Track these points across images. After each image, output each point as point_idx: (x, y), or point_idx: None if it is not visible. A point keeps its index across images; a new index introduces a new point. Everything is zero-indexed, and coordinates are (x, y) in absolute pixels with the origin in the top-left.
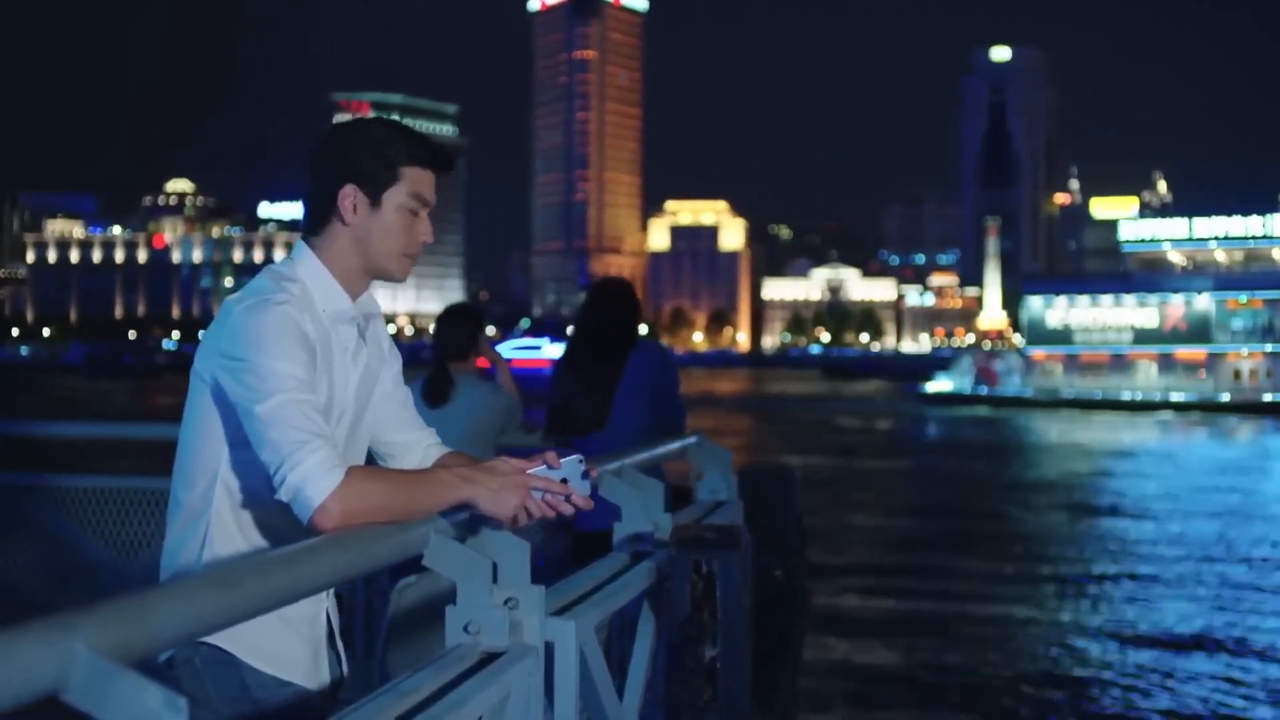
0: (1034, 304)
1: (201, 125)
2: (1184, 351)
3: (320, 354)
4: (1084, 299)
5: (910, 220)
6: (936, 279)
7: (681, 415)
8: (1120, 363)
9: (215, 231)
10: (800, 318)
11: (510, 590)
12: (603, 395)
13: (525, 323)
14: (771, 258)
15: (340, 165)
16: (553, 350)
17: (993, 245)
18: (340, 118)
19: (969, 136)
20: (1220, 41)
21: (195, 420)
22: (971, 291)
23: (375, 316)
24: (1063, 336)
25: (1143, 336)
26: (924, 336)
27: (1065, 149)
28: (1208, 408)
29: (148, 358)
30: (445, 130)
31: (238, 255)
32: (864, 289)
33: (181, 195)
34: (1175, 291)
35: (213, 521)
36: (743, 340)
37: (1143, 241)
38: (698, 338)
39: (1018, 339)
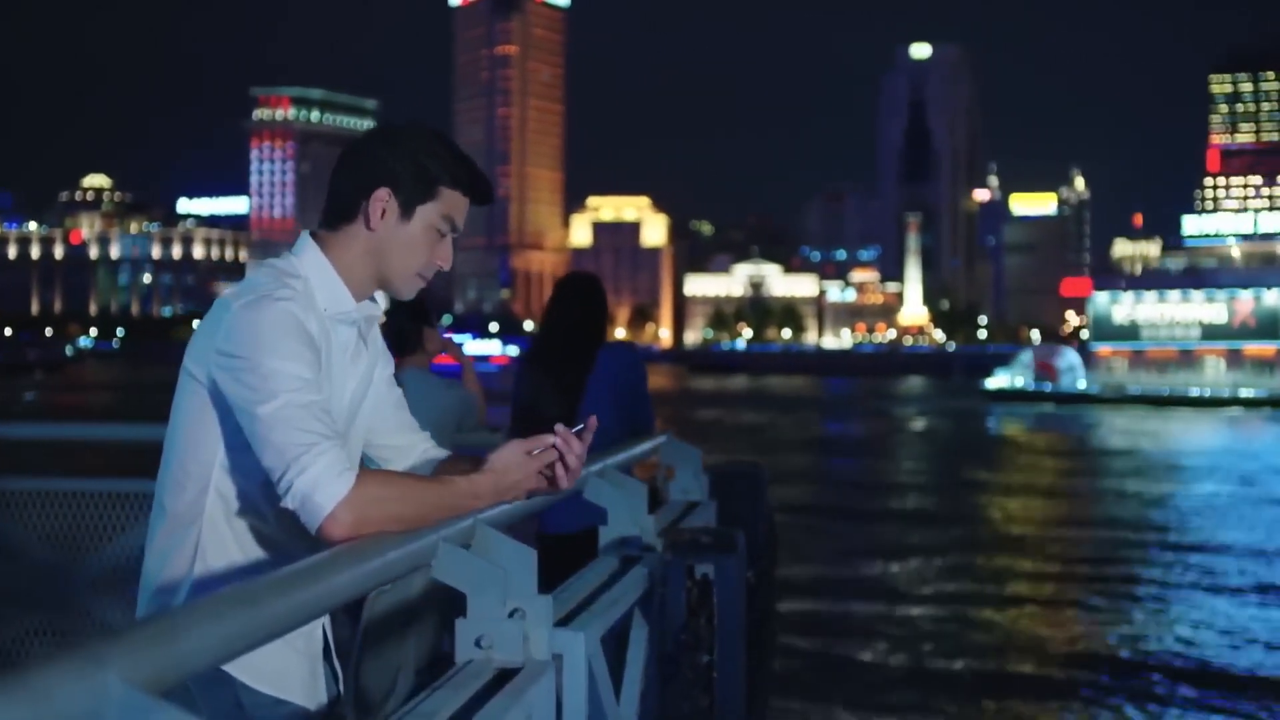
0: (1100, 300)
1: (119, 120)
2: (1253, 347)
3: (321, 355)
4: (1151, 295)
5: (831, 216)
6: (857, 275)
7: (651, 415)
8: (1187, 359)
9: (133, 227)
10: (722, 314)
11: (517, 600)
12: (572, 394)
13: (447, 319)
14: (693, 254)
15: (379, 167)
16: (475, 347)
17: (913, 241)
18: (259, 113)
19: (889, 133)
20: (1136, 39)
21: (186, 422)
22: (893, 287)
23: (375, 319)
24: (1129, 333)
25: (1211, 332)
26: (845, 332)
27: (984, 146)
28: (1279, 404)
29: (16, 355)
30: (366, 125)
31: (156, 251)
32: (786, 285)
33: (99, 190)
34: (1244, 287)
35: (204, 530)
36: (665, 336)
37: (1206, 236)
38: (620, 334)
39: (1084, 334)
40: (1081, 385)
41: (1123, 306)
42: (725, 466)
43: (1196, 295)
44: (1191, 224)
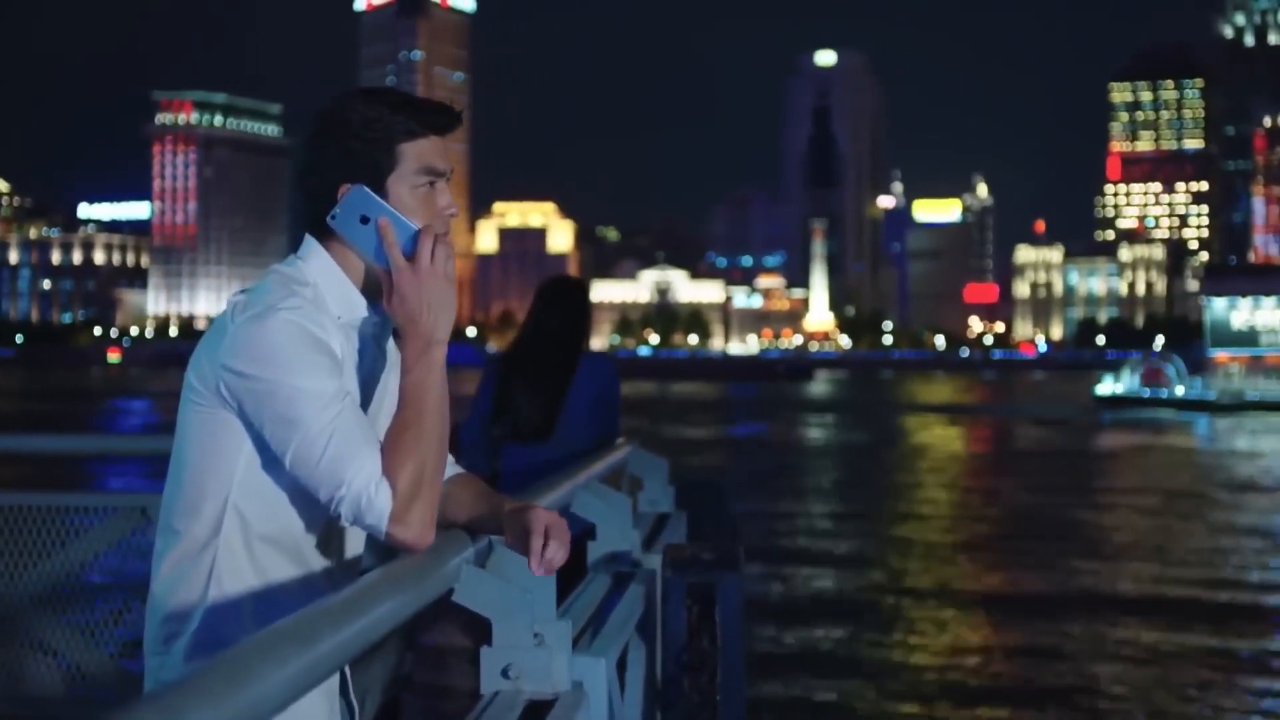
0: (1217, 306)
1: (18, 122)
2: None
3: (339, 360)
4: (1269, 300)
5: (737, 222)
6: (763, 280)
7: (618, 426)
8: None
9: (33, 232)
10: (629, 320)
11: (536, 625)
12: (552, 402)
13: None
14: (600, 259)
15: (333, 158)
16: None
17: (818, 247)
18: (161, 117)
19: (794, 139)
20: (1038, 48)
21: (196, 439)
22: (798, 293)
23: (389, 326)
24: (1248, 338)
25: None
26: (752, 338)
27: (888, 152)
28: None
29: None
30: (270, 130)
31: (56, 257)
32: (692, 291)
33: None
34: None
35: (220, 553)
36: None
37: None
38: None
39: (1157, 338)
40: (1210, 393)
41: (1240, 312)
42: (687, 477)
43: None
44: None
